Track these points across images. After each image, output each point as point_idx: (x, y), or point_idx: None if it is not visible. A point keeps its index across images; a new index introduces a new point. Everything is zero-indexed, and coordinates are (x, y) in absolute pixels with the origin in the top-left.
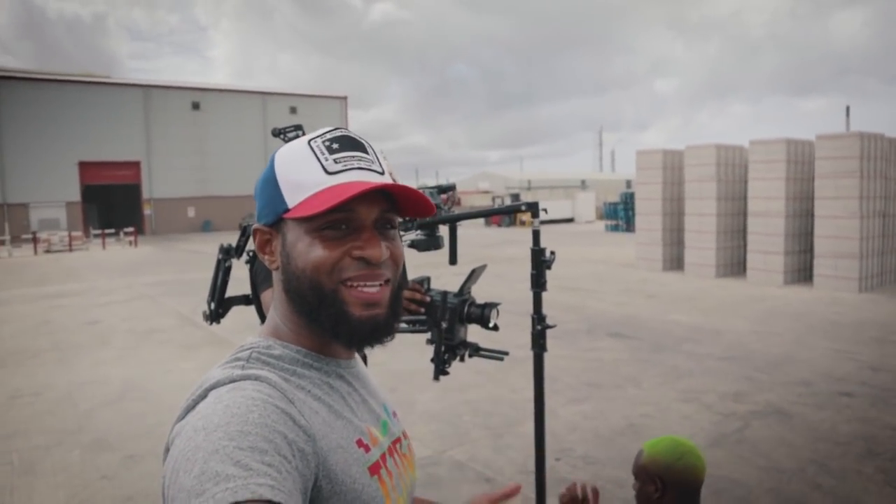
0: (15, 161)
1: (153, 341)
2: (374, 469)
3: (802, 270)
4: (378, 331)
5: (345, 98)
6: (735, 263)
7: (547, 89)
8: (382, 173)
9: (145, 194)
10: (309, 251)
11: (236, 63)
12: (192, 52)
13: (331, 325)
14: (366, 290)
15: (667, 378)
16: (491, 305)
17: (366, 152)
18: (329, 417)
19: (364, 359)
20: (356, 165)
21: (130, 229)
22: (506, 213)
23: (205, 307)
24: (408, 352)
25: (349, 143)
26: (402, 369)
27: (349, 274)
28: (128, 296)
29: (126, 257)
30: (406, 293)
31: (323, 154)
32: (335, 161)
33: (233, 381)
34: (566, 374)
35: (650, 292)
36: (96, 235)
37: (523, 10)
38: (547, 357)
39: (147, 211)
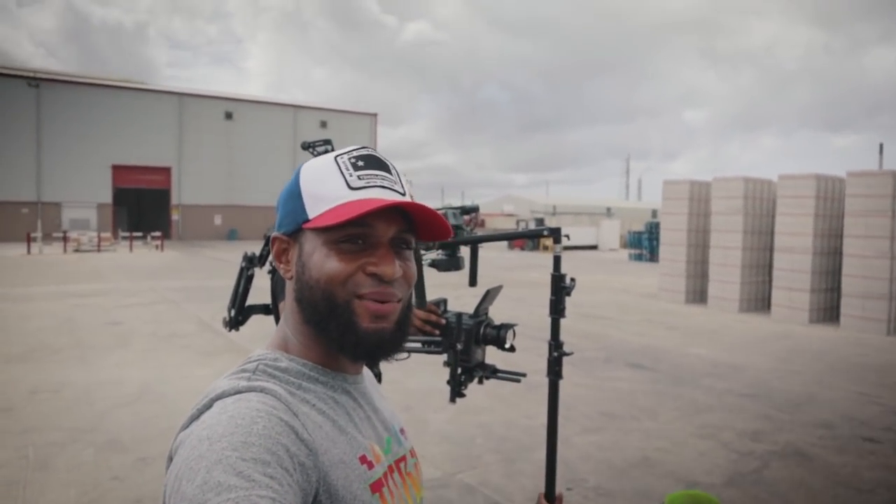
0: (51, 161)
1: (173, 345)
2: (376, 487)
3: (828, 309)
4: (384, 345)
5: (375, 115)
6: (759, 299)
7: (576, 114)
8: (404, 194)
9: (174, 200)
10: (325, 262)
11: (270, 75)
12: (228, 62)
13: (338, 335)
14: (376, 305)
15: (684, 412)
16: (507, 326)
17: (389, 172)
18: (332, 432)
19: (378, 376)
20: (379, 184)
21: (158, 234)
22: (528, 238)
23: (225, 314)
24: (423, 371)
25: (374, 162)
26: (416, 388)
27: (363, 290)
28: (151, 299)
29: (152, 261)
30: (421, 314)
31: (348, 170)
32: (359, 177)
33: (238, 392)
34: (582, 402)
35: (671, 324)
36: (124, 238)
37: (556, 35)
38: (563, 384)
39: (175, 216)
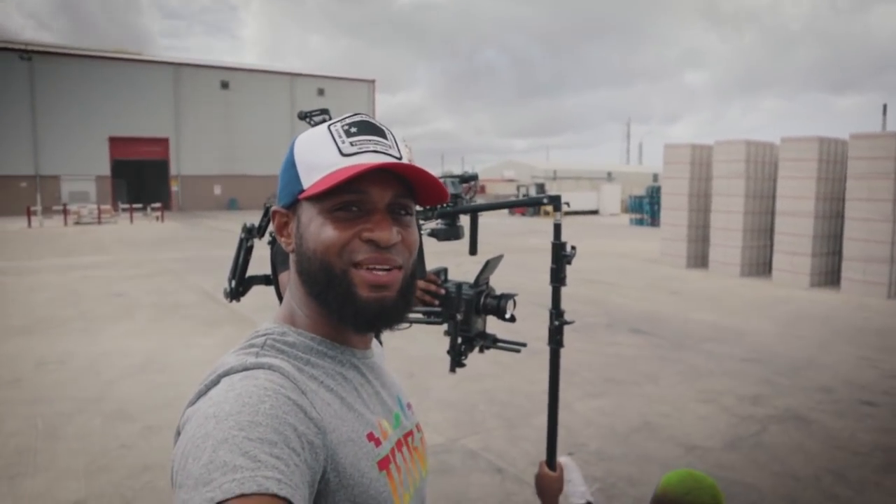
0: (48, 134)
1: (176, 316)
2: (384, 464)
3: (830, 273)
4: (385, 314)
5: (373, 81)
6: (761, 263)
7: (576, 78)
8: (400, 158)
9: (173, 171)
10: (320, 232)
11: (266, 43)
12: (223, 31)
13: (337, 305)
14: (375, 272)
15: (686, 377)
16: (507, 297)
17: (384, 137)
18: (341, 410)
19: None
20: (371, 148)
21: (158, 205)
22: (528, 206)
23: (226, 285)
24: (426, 338)
25: (368, 128)
26: (419, 355)
27: (359, 257)
28: (153, 270)
29: (153, 232)
30: (421, 284)
31: (340, 137)
32: (351, 144)
33: (246, 368)
34: (584, 368)
35: (673, 289)
36: (124, 210)
37: None
38: (565, 350)
39: (174, 187)
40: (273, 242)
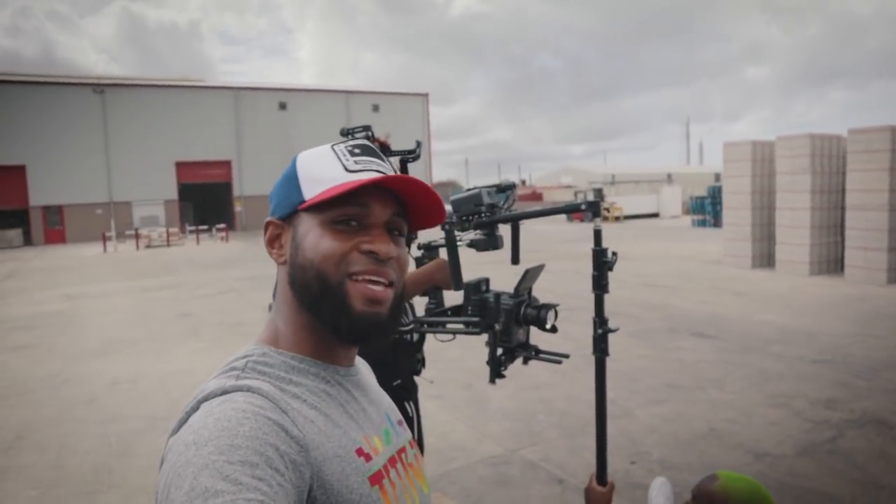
0: (119, 162)
1: (239, 334)
2: (376, 479)
3: None
4: (377, 329)
5: (426, 95)
6: (831, 260)
7: (633, 80)
8: None
9: (236, 192)
10: (319, 242)
11: (321, 63)
12: (280, 54)
13: (331, 316)
14: (371, 286)
15: (753, 381)
16: (548, 307)
17: (383, 161)
18: (325, 426)
19: (422, 361)
20: (375, 168)
21: (222, 226)
22: (563, 213)
23: (271, 300)
24: (483, 348)
25: (369, 150)
26: (476, 366)
27: (356, 268)
28: (218, 289)
29: (218, 252)
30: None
31: (344, 156)
32: (355, 162)
33: (225, 392)
34: (646, 374)
35: (738, 290)
36: (191, 231)
37: None
38: (626, 356)
39: (238, 208)
40: None
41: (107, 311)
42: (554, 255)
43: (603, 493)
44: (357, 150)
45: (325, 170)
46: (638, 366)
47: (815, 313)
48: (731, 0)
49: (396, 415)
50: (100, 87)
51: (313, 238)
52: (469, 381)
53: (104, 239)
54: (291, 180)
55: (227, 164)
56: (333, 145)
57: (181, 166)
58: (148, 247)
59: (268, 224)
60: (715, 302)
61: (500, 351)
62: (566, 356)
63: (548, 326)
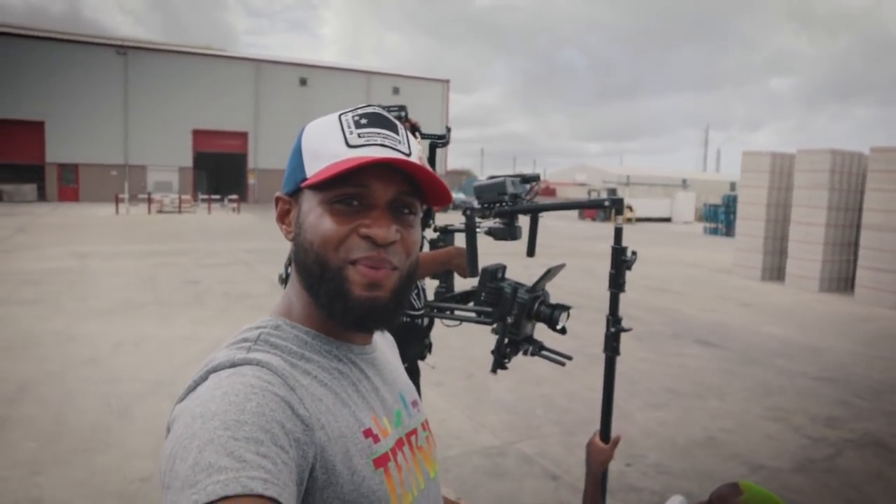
0: (137, 126)
1: (244, 305)
2: (381, 461)
3: None
4: (376, 314)
5: (447, 81)
6: (842, 279)
7: (655, 82)
8: (409, 155)
9: (250, 164)
10: (318, 223)
11: (344, 42)
12: (303, 29)
13: (328, 300)
14: (371, 270)
15: (753, 393)
16: (562, 308)
17: (395, 132)
18: (334, 405)
19: (429, 346)
20: (379, 142)
21: (235, 197)
22: (588, 208)
23: (281, 270)
24: (486, 337)
25: (379, 120)
26: (480, 356)
27: (356, 255)
28: (227, 260)
29: (229, 223)
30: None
31: (349, 127)
32: (359, 135)
33: (234, 364)
34: (646, 377)
35: (745, 301)
36: (203, 200)
37: None
38: (628, 358)
39: (251, 180)
40: None
41: (115, 273)
42: (564, 252)
43: (605, 449)
44: (364, 121)
45: (327, 144)
46: (639, 368)
47: (821, 330)
48: (761, 7)
49: (412, 395)
50: (123, 49)
51: (313, 218)
52: (471, 371)
53: (117, 200)
54: (297, 154)
55: (243, 136)
56: (342, 114)
57: (198, 134)
58: (160, 212)
59: (277, 199)
60: (721, 311)
61: (506, 341)
62: (569, 358)
63: (558, 327)
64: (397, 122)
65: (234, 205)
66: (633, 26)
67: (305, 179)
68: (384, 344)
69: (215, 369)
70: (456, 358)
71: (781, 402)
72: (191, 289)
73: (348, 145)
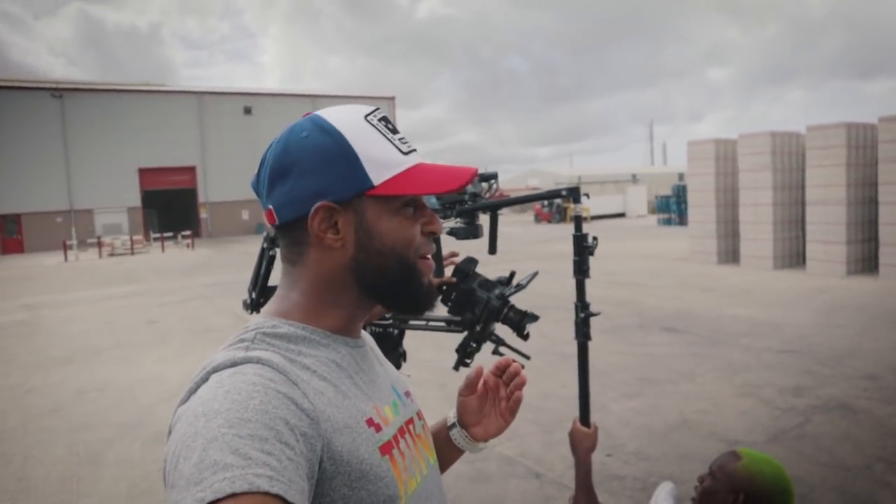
0: (80, 169)
1: (208, 340)
2: (386, 449)
3: (867, 260)
4: (436, 296)
5: (392, 98)
6: (793, 255)
7: (597, 82)
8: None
9: (201, 198)
10: (399, 229)
11: (286, 67)
12: (243, 58)
13: (407, 294)
14: (428, 262)
15: (722, 373)
16: (531, 317)
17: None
18: (335, 397)
19: (403, 355)
20: (413, 147)
21: (188, 232)
22: (546, 199)
23: (245, 296)
24: (456, 340)
25: (393, 123)
26: (450, 365)
27: (424, 250)
28: (185, 296)
29: (184, 259)
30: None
31: (387, 133)
32: (400, 141)
33: (234, 363)
34: (618, 369)
35: (705, 286)
36: (156, 239)
37: (572, 2)
38: (598, 352)
39: (203, 214)
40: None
41: (70, 321)
42: (524, 256)
43: (588, 434)
44: (389, 126)
45: (385, 151)
46: (610, 361)
47: (779, 306)
48: (693, 2)
49: (403, 386)
50: (58, 92)
51: (389, 225)
52: (443, 381)
53: (65, 248)
54: (346, 158)
55: (191, 170)
56: (366, 116)
57: (144, 173)
58: (111, 255)
59: (322, 207)
60: (683, 298)
61: (474, 344)
62: (527, 357)
63: (524, 333)
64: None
65: (188, 241)
66: (570, 30)
67: (369, 187)
68: (370, 339)
69: (216, 369)
70: (428, 370)
71: (749, 378)
72: (151, 329)
73: (402, 153)
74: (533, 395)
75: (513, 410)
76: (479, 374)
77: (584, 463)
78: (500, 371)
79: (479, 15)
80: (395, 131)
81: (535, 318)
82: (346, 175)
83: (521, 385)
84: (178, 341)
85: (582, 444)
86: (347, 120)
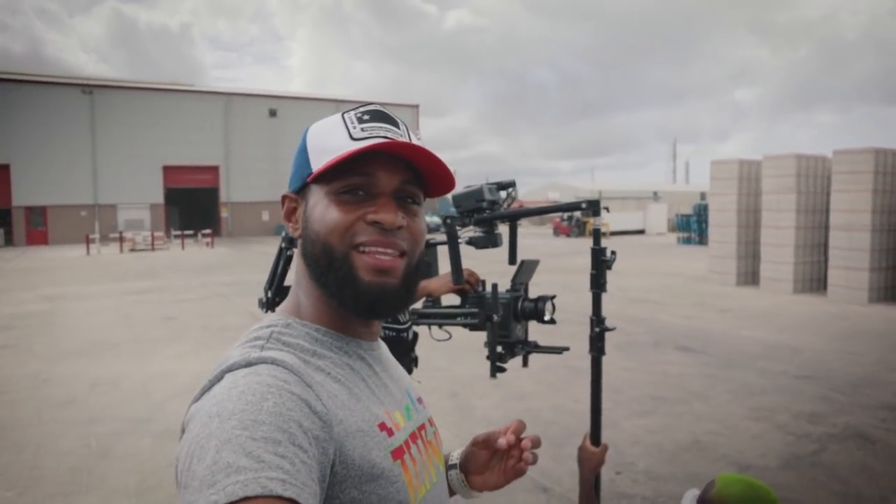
0: (106, 164)
1: (224, 338)
2: (398, 454)
3: (890, 288)
4: (385, 299)
5: (417, 106)
6: (814, 279)
7: (623, 98)
8: None
9: (223, 198)
10: (325, 214)
11: (312, 72)
12: (271, 61)
13: (337, 288)
14: (378, 256)
15: (737, 395)
16: (545, 298)
17: (397, 127)
18: (349, 401)
19: (415, 360)
20: (382, 134)
21: (208, 231)
22: (565, 210)
23: (262, 294)
24: (469, 358)
25: (381, 116)
26: (462, 374)
27: (362, 238)
28: (203, 294)
29: (203, 258)
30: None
31: (352, 123)
32: (362, 129)
33: (249, 363)
34: (630, 386)
35: (722, 307)
36: (176, 236)
37: (601, 17)
38: (611, 368)
39: (224, 214)
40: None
41: (89, 313)
42: (541, 268)
43: (595, 453)
44: (366, 117)
45: (331, 139)
46: (623, 377)
47: (797, 330)
48: (723, 21)
49: (416, 392)
50: (88, 88)
51: (320, 210)
52: (455, 390)
53: (88, 241)
54: (302, 153)
55: (214, 170)
56: (344, 113)
57: (168, 170)
58: (132, 250)
59: (283, 198)
60: (699, 317)
61: (499, 348)
62: (566, 348)
63: (546, 318)
64: (398, 119)
65: (208, 239)
66: (599, 44)
67: (311, 174)
68: (383, 344)
69: (230, 368)
70: (440, 378)
71: (764, 402)
72: (168, 325)
73: (352, 138)
74: (544, 408)
75: (516, 473)
76: (503, 432)
77: (587, 481)
78: (520, 434)
79: (507, 27)
80: (370, 121)
81: (548, 298)
82: (299, 167)
83: (532, 461)
84: (194, 338)
85: (588, 463)
86: (324, 120)
